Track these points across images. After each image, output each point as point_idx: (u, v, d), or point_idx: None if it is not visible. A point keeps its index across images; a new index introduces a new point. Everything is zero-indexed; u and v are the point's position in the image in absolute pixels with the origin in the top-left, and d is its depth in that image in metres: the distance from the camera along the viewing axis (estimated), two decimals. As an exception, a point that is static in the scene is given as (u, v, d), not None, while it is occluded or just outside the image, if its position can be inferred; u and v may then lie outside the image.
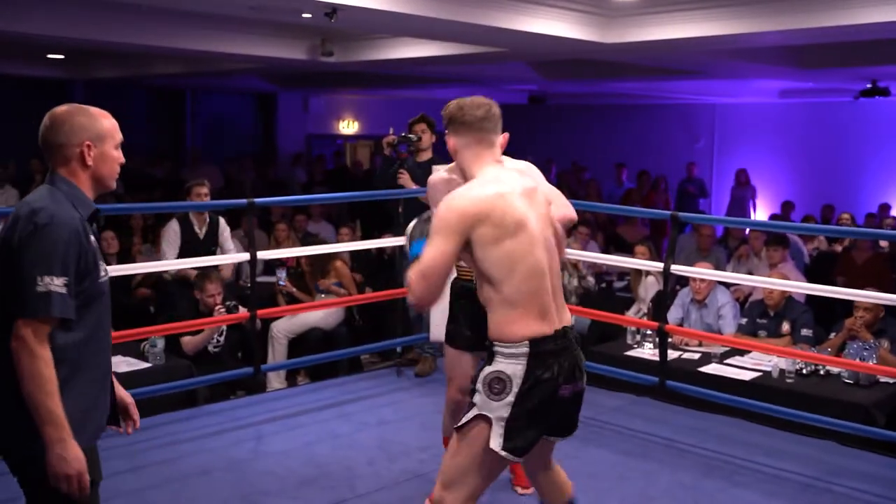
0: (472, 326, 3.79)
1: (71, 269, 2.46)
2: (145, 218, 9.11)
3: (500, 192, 2.82)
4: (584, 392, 3.01)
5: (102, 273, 2.62)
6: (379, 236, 6.98)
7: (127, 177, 13.77)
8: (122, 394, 2.89)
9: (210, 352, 6.16)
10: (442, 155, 6.74)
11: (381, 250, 7.97)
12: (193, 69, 13.07)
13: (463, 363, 3.93)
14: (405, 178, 6.17)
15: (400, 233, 6.16)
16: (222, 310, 5.98)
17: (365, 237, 9.23)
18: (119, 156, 2.69)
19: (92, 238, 2.58)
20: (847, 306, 5.99)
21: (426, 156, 6.34)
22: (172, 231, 7.05)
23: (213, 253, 6.81)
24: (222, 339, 6.21)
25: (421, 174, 6.13)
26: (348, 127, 19.45)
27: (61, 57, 13.42)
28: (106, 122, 2.64)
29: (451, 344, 4.03)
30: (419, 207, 6.13)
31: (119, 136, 2.69)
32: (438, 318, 6.02)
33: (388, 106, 18.85)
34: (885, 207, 13.69)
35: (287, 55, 10.58)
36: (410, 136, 6.27)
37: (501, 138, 3.07)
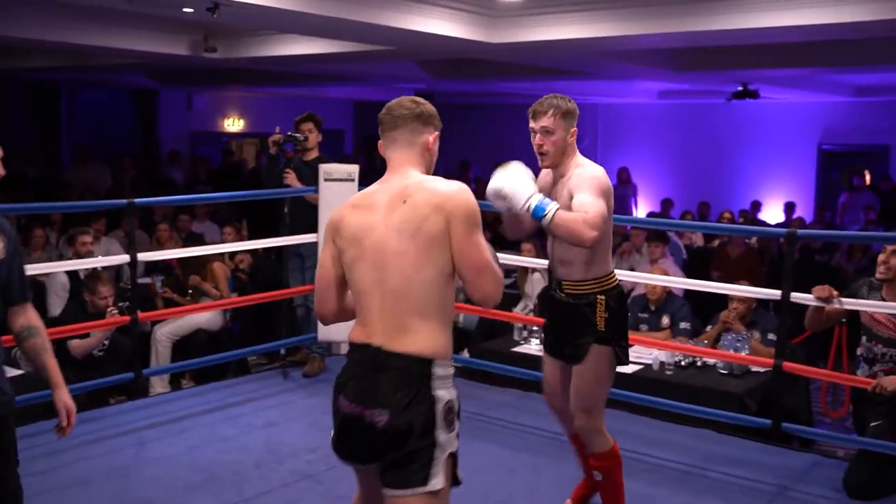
0: (552, 331, 3.89)
1: None
2: (18, 219, 8.76)
3: (354, 203, 2.80)
4: (382, 427, 2.64)
5: None
6: (268, 236, 6.89)
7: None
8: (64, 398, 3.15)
9: (94, 356, 5.99)
10: (329, 153, 6.74)
11: (267, 250, 7.87)
12: (69, 63, 12.68)
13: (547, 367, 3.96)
14: (291, 178, 6.12)
15: (286, 233, 6.12)
16: (115, 311, 5.82)
17: (252, 237, 9.12)
18: None
19: None
20: (722, 299, 6.19)
21: (313, 155, 6.30)
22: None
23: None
24: (107, 341, 6.04)
25: (308, 173, 6.11)
26: (234, 125, 19.16)
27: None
28: None
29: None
30: (306, 207, 6.10)
31: None
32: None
33: (275, 104, 18.64)
34: (756, 205, 14.18)
35: (168, 51, 10.34)
36: (297, 135, 6.22)
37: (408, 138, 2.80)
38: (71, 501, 4.14)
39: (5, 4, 8.72)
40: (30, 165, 14.48)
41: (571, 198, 3.49)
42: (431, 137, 2.82)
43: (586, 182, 3.53)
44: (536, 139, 3.67)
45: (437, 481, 2.62)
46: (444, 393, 2.66)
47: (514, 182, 3.39)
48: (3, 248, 2.97)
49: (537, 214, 3.35)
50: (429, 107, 2.83)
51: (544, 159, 3.69)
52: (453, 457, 2.68)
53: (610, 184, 3.62)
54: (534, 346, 6.08)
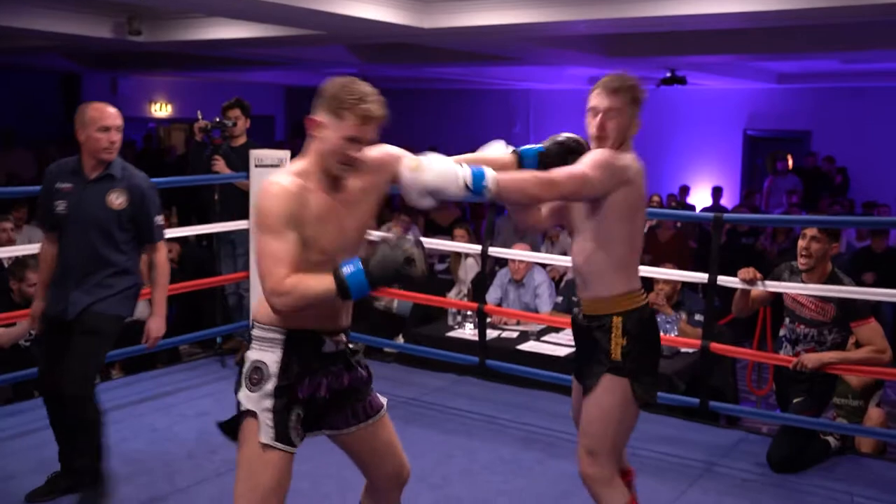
0: (575, 356, 3.44)
1: None
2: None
3: None
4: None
5: None
6: (197, 223, 6.81)
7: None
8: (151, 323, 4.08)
9: (21, 346, 5.85)
10: (259, 140, 6.69)
11: (198, 237, 7.79)
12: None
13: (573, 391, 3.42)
14: (220, 164, 6.07)
15: (217, 220, 6.06)
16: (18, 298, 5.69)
17: (182, 224, 9.01)
18: None
19: None
20: (650, 281, 6.28)
21: (241, 141, 6.26)
22: None
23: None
24: (33, 332, 5.88)
25: (237, 160, 6.06)
26: (161, 110, 18.88)
27: None
28: None
29: None
30: (236, 193, 6.06)
31: None
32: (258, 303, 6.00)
33: (204, 88, 18.41)
34: (685, 189, 14.37)
35: (90, 33, 10.10)
36: (226, 121, 6.17)
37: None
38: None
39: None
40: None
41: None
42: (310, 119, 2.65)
43: (588, 156, 3.03)
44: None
45: (241, 435, 2.67)
46: (253, 353, 2.69)
47: (435, 170, 2.65)
48: (125, 200, 3.90)
49: (477, 188, 2.67)
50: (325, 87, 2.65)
51: (598, 141, 3.13)
52: (256, 416, 2.64)
53: (629, 168, 3.01)
54: (468, 331, 6.12)
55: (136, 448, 4.63)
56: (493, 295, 6.60)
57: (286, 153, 6.05)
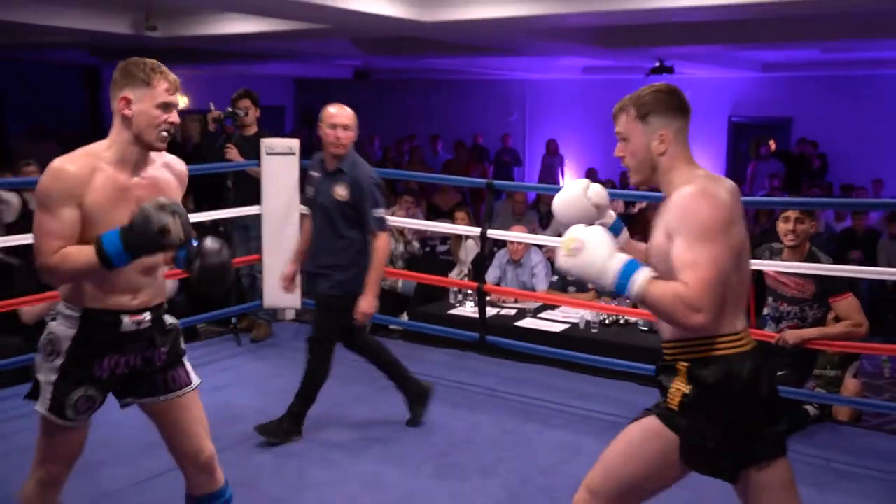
0: None
1: None
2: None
3: None
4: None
5: None
6: (212, 209, 6.79)
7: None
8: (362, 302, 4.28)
9: (48, 323, 5.84)
10: (270, 129, 6.68)
11: (214, 221, 7.78)
12: (14, 41, 12.35)
13: None
14: (233, 153, 6.08)
15: (231, 206, 6.06)
16: None
17: (198, 210, 8.99)
18: None
19: None
20: (644, 262, 6.29)
21: (252, 130, 6.26)
22: None
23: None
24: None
25: (248, 148, 6.06)
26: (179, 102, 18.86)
27: None
28: None
29: None
30: (248, 180, 6.06)
31: None
32: (272, 284, 6.01)
33: (218, 81, 18.33)
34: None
35: (110, 29, 10.13)
36: (236, 111, 6.17)
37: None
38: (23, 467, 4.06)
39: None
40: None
41: (670, 238, 2.34)
42: (118, 100, 2.63)
43: (684, 220, 2.32)
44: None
45: (38, 404, 2.65)
46: (53, 326, 2.67)
47: (584, 258, 2.32)
48: (347, 194, 4.20)
49: (620, 289, 2.32)
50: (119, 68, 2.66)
51: (630, 175, 2.61)
52: (41, 385, 2.65)
53: (728, 207, 2.37)
54: (468, 309, 6.16)
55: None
56: (492, 274, 6.62)
57: (296, 142, 6.05)
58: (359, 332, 4.50)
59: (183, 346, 2.91)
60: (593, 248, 2.31)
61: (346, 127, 4.24)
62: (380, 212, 4.26)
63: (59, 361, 2.63)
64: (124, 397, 2.80)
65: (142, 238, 2.40)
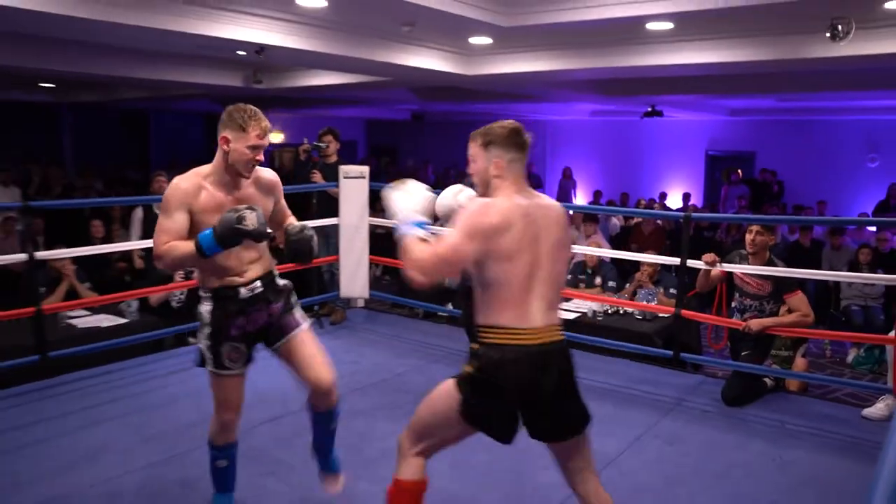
0: None
1: None
2: (121, 209, 8.75)
3: None
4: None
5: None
6: (300, 220, 6.85)
7: (105, 177, 13.25)
8: None
9: (174, 307, 5.98)
10: (345, 159, 6.74)
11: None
12: (154, 94, 12.63)
13: None
14: (318, 177, 6.12)
15: (315, 217, 6.12)
16: (182, 274, 5.80)
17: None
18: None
19: None
20: (637, 264, 6.25)
21: (333, 159, 6.29)
22: (137, 218, 6.92)
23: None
24: (184, 297, 6.03)
25: (329, 173, 6.11)
26: (275, 137, 19.07)
27: (51, 85, 12.81)
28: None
29: None
30: (329, 198, 6.10)
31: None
32: (346, 279, 6.05)
33: (306, 121, 18.50)
34: (664, 195, 14.26)
35: (227, 83, 10.33)
36: (320, 144, 6.22)
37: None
38: (163, 415, 4.14)
39: (107, 52, 8.68)
40: (129, 170, 14.47)
41: None
42: (220, 137, 2.68)
43: (461, 216, 2.30)
44: None
45: (206, 366, 2.78)
46: (199, 307, 2.77)
47: (397, 194, 2.37)
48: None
49: (409, 230, 2.31)
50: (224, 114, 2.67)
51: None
52: (203, 351, 2.77)
53: (500, 219, 2.24)
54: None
55: (260, 382, 4.63)
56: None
57: (366, 168, 6.09)
58: None
59: (295, 300, 2.95)
60: (410, 196, 2.35)
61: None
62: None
63: (207, 330, 2.75)
64: (261, 343, 2.89)
65: (225, 228, 2.48)
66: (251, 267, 2.78)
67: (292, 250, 2.77)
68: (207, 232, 2.51)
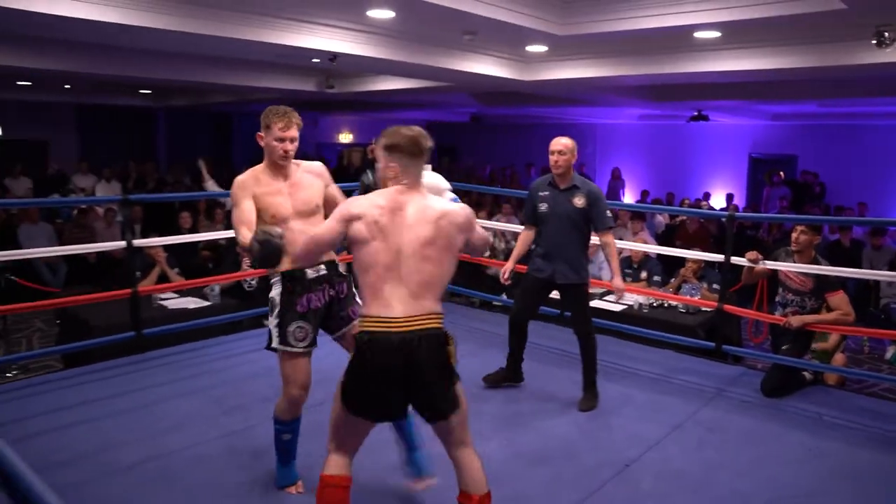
0: None
1: None
2: (206, 202, 8.97)
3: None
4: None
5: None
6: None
7: (193, 173, 13.58)
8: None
9: (246, 290, 5.96)
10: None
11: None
12: (237, 98, 12.89)
13: None
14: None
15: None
16: (248, 263, 5.86)
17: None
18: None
19: None
20: (682, 260, 6.13)
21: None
22: (226, 210, 7.05)
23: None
24: (255, 282, 6.00)
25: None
26: (345, 138, 19.28)
27: (149, 91, 13.21)
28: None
29: None
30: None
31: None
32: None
33: (373, 123, 18.67)
34: (707, 195, 13.96)
35: (302, 88, 10.48)
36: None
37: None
38: (244, 390, 4.22)
39: (198, 61, 8.90)
40: (215, 167, 14.79)
41: None
42: (258, 136, 2.89)
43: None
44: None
45: (274, 345, 2.85)
46: (271, 292, 2.86)
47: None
48: (585, 202, 3.94)
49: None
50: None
51: None
52: (271, 332, 2.83)
53: (357, 210, 2.35)
54: (553, 293, 6.05)
55: (322, 366, 4.72)
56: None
57: (428, 166, 6.07)
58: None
59: (353, 289, 2.97)
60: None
61: (560, 153, 4.01)
62: (608, 213, 4.02)
63: (276, 310, 2.82)
64: (330, 334, 2.97)
65: (256, 237, 2.49)
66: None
67: (257, 254, 2.50)
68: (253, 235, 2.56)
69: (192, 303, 5.58)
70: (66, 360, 5.40)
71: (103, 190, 11.91)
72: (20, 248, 8.43)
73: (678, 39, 6.80)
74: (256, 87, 10.22)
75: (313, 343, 2.86)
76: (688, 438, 3.72)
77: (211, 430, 3.61)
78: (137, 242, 4.94)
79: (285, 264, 2.72)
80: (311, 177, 2.95)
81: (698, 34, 6.40)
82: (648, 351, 5.11)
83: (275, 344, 2.81)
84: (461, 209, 2.42)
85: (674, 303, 5.70)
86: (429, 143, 2.43)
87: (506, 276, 4.22)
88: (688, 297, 5.58)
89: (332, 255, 2.91)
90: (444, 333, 2.32)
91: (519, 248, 4.30)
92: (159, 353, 4.75)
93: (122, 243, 4.74)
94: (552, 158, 4.02)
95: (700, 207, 12.06)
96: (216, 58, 8.51)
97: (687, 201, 12.10)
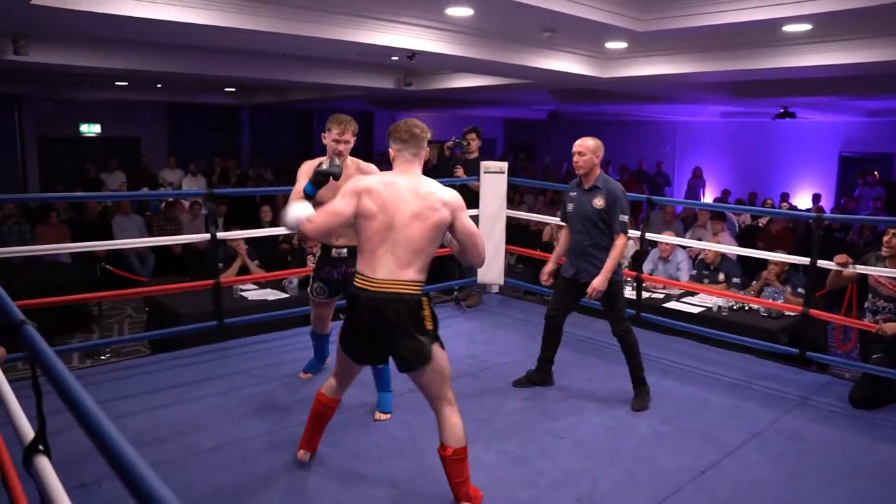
0: None
1: None
2: (286, 196, 9.19)
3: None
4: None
5: None
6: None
7: (274, 168, 13.90)
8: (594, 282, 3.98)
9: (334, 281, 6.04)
10: (485, 155, 6.75)
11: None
12: (318, 95, 13.15)
13: None
14: (460, 171, 6.17)
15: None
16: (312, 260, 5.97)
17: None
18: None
19: None
20: (764, 262, 5.91)
21: (474, 155, 6.31)
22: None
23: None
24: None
25: (470, 168, 6.14)
26: (422, 135, 19.41)
27: (234, 89, 13.63)
28: None
29: None
30: (469, 191, 6.13)
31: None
32: (483, 267, 6.07)
33: (450, 120, 18.73)
34: (785, 195, 13.44)
35: (381, 85, 10.60)
36: (463, 142, 6.25)
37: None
38: (313, 381, 4.28)
39: (281, 60, 9.13)
40: (294, 163, 15.18)
41: None
42: (322, 136, 3.60)
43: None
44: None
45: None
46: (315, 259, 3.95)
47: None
48: (603, 202, 3.93)
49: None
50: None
51: None
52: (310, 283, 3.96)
53: (365, 187, 2.71)
54: (628, 292, 5.95)
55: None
56: (646, 267, 6.43)
57: (505, 164, 6.07)
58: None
59: None
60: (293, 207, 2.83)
61: (580, 154, 3.99)
62: (624, 218, 3.95)
63: (313, 271, 3.94)
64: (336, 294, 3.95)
65: (313, 174, 3.09)
66: (340, 239, 3.73)
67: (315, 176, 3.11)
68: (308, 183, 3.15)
69: (270, 294, 5.72)
70: (153, 346, 5.64)
71: (189, 184, 12.39)
72: (114, 238, 8.85)
73: (765, 33, 6.54)
74: (337, 84, 10.40)
75: (330, 297, 3.93)
76: (769, 447, 3.58)
77: (287, 418, 3.69)
78: (220, 235, 5.10)
79: (322, 241, 3.76)
80: (359, 173, 3.50)
81: (787, 27, 6.14)
82: (727, 355, 4.95)
83: (310, 294, 3.95)
84: (449, 189, 2.76)
85: (754, 306, 5.50)
86: (419, 132, 2.80)
87: (544, 276, 4.23)
88: (771, 301, 5.37)
89: (353, 241, 3.42)
90: (419, 300, 2.67)
91: (558, 248, 4.33)
92: (239, 343, 4.89)
93: (207, 235, 4.90)
94: (573, 159, 4.06)
95: (782, 208, 11.63)
96: (299, 56, 8.70)
97: (770, 201, 11.66)
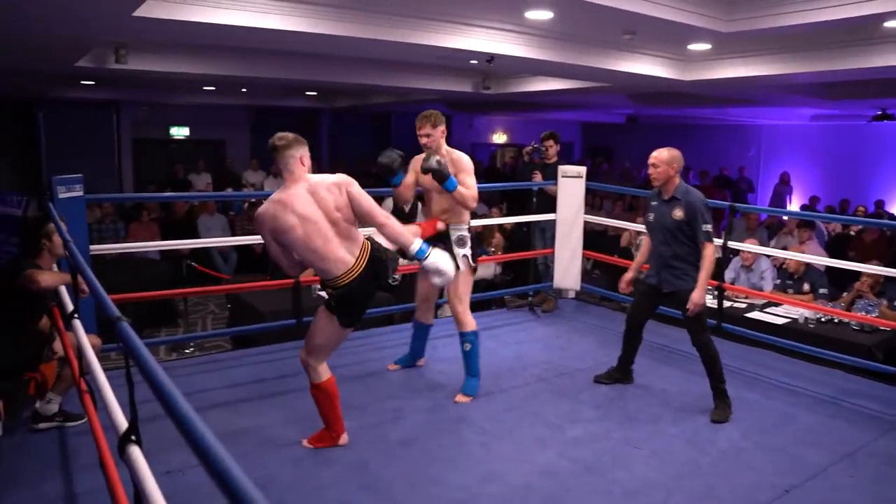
0: None
1: None
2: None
3: None
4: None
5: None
6: (520, 214, 6.91)
7: (353, 170, 14.19)
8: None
9: (391, 284, 6.05)
10: (562, 159, 6.69)
11: (520, 224, 7.89)
12: (397, 99, 13.32)
13: None
14: (538, 176, 6.13)
15: (534, 213, 6.13)
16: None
17: (510, 214, 9.20)
18: None
19: None
20: (856, 272, 5.63)
21: (552, 160, 6.25)
22: (386, 207, 7.33)
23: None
24: (399, 277, 6.09)
25: (548, 172, 6.09)
26: (499, 138, 19.41)
27: (315, 93, 13.95)
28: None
29: None
30: (547, 195, 6.09)
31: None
32: (560, 271, 6.02)
33: (527, 124, 18.68)
34: (880, 203, 12.77)
35: (459, 88, 10.66)
36: (541, 147, 6.22)
37: None
38: (392, 379, 4.36)
39: (361, 64, 9.30)
40: (372, 166, 15.42)
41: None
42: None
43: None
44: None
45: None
46: (458, 233, 4.13)
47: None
48: (682, 213, 3.92)
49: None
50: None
51: None
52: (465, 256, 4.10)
53: (276, 204, 3.51)
54: (709, 301, 5.78)
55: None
56: (728, 276, 6.24)
57: (583, 168, 6.00)
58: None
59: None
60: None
61: (653, 165, 4.00)
62: (708, 227, 3.90)
63: (468, 245, 4.13)
64: None
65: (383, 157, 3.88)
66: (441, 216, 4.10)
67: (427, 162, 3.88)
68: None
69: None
70: (234, 342, 5.83)
71: (271, 185, 12.76)
72: (199, 237, 9.19)
73: (861, 31, 6.24)
74: (415, 87, 10.51)
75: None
76: (861, 469, 3.40)
77: (362, 418, 3.75)
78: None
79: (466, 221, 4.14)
80: (447, 162, 3.91)
81: (889, 23, 5.83)
82: (814, 369, 4.74)
83: (464, 266, 4.03)
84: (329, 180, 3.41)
85: (845, 319, 5.24)
86: (277, 141, 3.35)
87: (623, 284, 4.25)
88: (864, 315, 5.11)
89: (457, 218, 4.07)
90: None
91: (639, 256, 4.40)
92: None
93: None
94: (649, 170, 4.06)
95: (880, 217, 11.05)
96: (379, 60, 8.84)
97: (862, 209, 11.10)
